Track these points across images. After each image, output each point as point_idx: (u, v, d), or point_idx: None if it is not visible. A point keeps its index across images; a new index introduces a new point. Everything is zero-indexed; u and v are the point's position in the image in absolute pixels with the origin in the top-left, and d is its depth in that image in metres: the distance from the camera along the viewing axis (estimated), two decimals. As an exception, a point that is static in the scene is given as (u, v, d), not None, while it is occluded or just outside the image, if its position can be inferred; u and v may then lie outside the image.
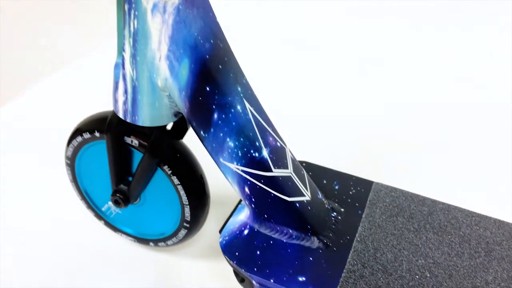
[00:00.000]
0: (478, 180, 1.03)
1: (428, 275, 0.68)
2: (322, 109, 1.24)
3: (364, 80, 1.37)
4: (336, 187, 0.82)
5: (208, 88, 0.63)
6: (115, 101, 0.70)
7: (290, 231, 0.72)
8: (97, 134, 0.78)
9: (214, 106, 0.64)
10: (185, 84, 0.63)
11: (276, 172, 0.69)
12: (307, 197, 0.72)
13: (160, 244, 0.86)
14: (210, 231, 0.92)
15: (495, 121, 1.21)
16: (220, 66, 0.64)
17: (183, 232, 0.82)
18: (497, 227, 0.75)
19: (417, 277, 0.67)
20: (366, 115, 1.23)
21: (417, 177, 1.03)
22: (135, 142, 0.75)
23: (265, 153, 0.67)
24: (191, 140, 0.79)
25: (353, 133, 1.15)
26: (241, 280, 0.71)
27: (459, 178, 1.03)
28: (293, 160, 0.73)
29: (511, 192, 0.99)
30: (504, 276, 0.68)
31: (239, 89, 0.66)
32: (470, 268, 0.69)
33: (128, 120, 0.70)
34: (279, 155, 0.70)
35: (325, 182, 0.83)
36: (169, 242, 0.85)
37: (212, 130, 0.66)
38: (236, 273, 0.72)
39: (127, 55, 0.64)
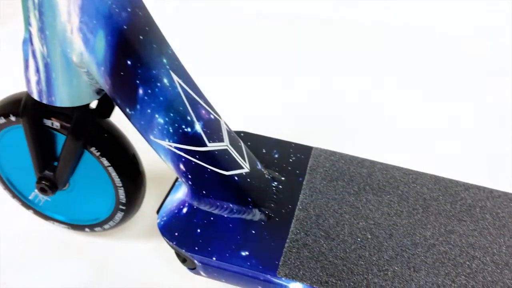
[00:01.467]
0: (414, 138, 1.05)
1: (370, 236, 0.68)
2: (260, 78, 1.20)
3: (297, 45, 1.34)
4: (276, 156, 0.80)
5: (129, 62, 0.58)
6: (27, 81, 0.63)
7: (231, 205, 0.70)
8: (12, 118, 0.71)
9: (138, 81, 0.59)
10: (103, 58, 0.58)
11: (212, 146, 0.65)
12: (245, 169, 0.70)
13: (96, 229, 0.82)
14: (150, 211, 0.88)
15: (425, 78, 1.23)
16: (141, 37, 0.58)
17: (119, 215, 0.78)
18: (433, 183, 0.77)
19: (358, 239, 0.68)
20: (302, 81, 1.21)
21: (356, 139, 1.03)
22: (56, 125, 0.69)
23: (198, 127, 0.64)
24: (121, 118, 0.73)
25: (292, 100, 1.13)
26: (183, 260, 0.69)
27: (395, 138, 1.04)
28: (229, 132, 0.70)
29: (445, 148, 1.02)
30: (442, 231, 0.70)
31: (164, 60, 0.61)
32: (409, 226, 0.70)
33: (45, 102, 0.63)
34: (213, 128, 0.66)
35: (264, 151, 0.81)
36: (106, 226, 0.81)
37: (138, 106, 0.61)
38: (178, 254, 0.69)
39: (34, 29, 0.57)
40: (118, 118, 0.73)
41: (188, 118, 0.63)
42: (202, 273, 0.69)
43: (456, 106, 1.12)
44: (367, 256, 0.66)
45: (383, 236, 0.69)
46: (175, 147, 0.64)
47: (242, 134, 0.83)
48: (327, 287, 0.62)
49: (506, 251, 0.67)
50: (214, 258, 0.65)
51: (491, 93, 1.16)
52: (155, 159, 0.80)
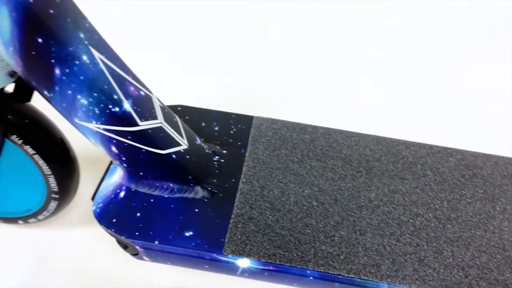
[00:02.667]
0: (356, 100, 1.05)
1: (315, 204, 0.67)
2: (194, 49, 1.15)
3: (226, 12, 1.29)
4: (216, 128, 0.77)
5: (40, 40, 0.52)
6: None
7: (171, 185, 0.66)
8: None
9: (52, 60, 0.54)
10: (10, 37, 0.51)
11: (144, 125, 0.61)
12: (183, 145, 0.67)
13: (30, 220, 0.77)
14: (88, 195, 0.83)
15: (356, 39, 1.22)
16: (51, 11, 0.52)
17: (53, 204, 0.72)
18: (375, 143, 0.77)
19: (304, 208, 0.67)
20: (238, 48, 1.17)
21: (298, 105, 1.01)
22: (-33, 113, 0.62)
23: (127, 105, 0.59)
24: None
25: (229, 69, 1.09)
26: (125, 247, 0.66)
27: (336, 101, 1.03)
28: (163, 108, 0.65)
29: (385, 109, 1.02)
30: (385, 191, 0.70)
31: (81, 35, 0.55)
32: (353, 189, 0.70)
33: None
34: (145, 106, 0.62)
35: (203, 124, 0.77)
36: (41, 217, 0.75)
37: (57, 88, 0.56)
38: (119, 241, 0.66)
39: None
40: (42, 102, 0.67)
41: (115, 96, 0.58)
42: (145, 258, 0.66)
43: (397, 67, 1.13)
44: (314, 224, 0.65)
45: (329, 202, 0.68)
46: (104, 129, 0.59)
47: (179, 108, 0.79)
48: (275, 259, 0.61)
49: (448, 205, 0.69)
50: (156, 242, 0.62)
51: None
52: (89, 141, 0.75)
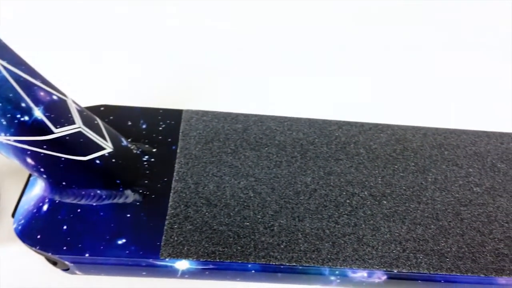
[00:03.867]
0: (287, 84, 1.03)
1: (252, 194, 0.66)
2: (114, 45, 1.08)
3: (156, 8, 1.23)
4: (144, 126, 0.73)
5: None
6: None
7: (98, 192, 0.63)
8: None
9: None
10: None
11: (60, 132, 0.57)
12: (108, 149, 0.63)
13: None
14: (8, 212, 0.77)
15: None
16: None
17: (-29, 226, 0.67)
18: (308, 126, 0.76)
19: (241, 200, 0.65)
20: (163, 41, 1.12)
21: (229, 94, 0.98)
22: None
23: (38, 113, 0.54)
24: None
25: (153, 62, 1.04)
26: (54, 263, 0.61)
27: (267, 87, 1.01)
28: (81, 111, 0.61)
29: (317, 91, 1.01)
30: (321, 174, 0.70)
31: None
32: (289, 175, 0.69)
33: None
34: (59, 111, 0.57)
35: (130, 123, 0.74)
36: (-41, 241, 0.69)
37: (-47, 101, 0.50)
38: (47, 257, 0.62)
39: None
40: None
41: (23, 104, 0.53)
42: (78, 272, 0.63)
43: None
44: (252, 216, 0.64)
45: (266, 191, 0.67)
46: (15, 141, 0.55)
47: (102, 109, 0.75)
48: (215, 257, 0.59)
49: (382, 181, 0.69)
50: (87, 255, 0.59)
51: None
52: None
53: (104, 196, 0.63)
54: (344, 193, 0.67)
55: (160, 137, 0.72)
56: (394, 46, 1.09)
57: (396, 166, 0.72)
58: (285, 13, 1.17)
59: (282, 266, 0.60)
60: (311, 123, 0.77)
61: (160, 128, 0.73)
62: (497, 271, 0.60)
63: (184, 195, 0.65)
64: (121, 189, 0.63)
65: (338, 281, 0.61)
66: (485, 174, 0.71)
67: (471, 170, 0.72)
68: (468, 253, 0.62)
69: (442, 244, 0.63)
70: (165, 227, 0.61)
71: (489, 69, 1.04)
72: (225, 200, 0.65)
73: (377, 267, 0.60)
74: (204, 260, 0.59)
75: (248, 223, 0.63)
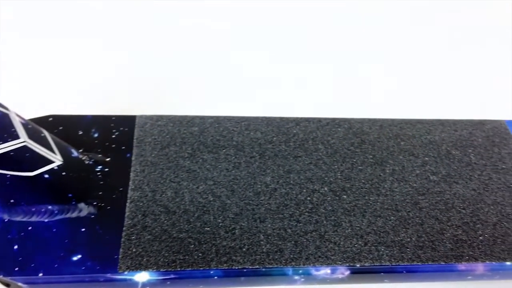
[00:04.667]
0: (243, 84, 1.02)
1: (212, 198, 0.65)
2: (63, 49, 1.04)
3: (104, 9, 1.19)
4: (96, 135, 0.71)
5: None
6: None
7: (50, 207, 0.60)
8: None
9: None
10: None
11: (3, 148, 0.54)
12: (57, 162, 0.60)
13: None
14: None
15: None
16: None
17: None
18: (266, 125, 0.75)
19: (201, 205, 0.64)
20: (114, 43, 1.09)
21: (183, 98, 0.95)
22: None
23: (-24, 130, 0.52)
24: None
25: (102, 69, 1.00)
26: (7, 285, 0.59)
27: (219, 89, 0.99)
28: (26, 124, 0.58)
29: (273, 91, 1.00)
30: (281, 172, 0.69)
31: None
32: (249, 176, 0.68)
33: None
34: (0, 126, 0.55)
35: (81, 133, 0.71)
36: None
37: None
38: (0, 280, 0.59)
39: None
40: None
41: None
42: (33, 293, 0.60)
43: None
44: (212, 220, 0.63)
45: (225, 194, 0.66)
46: None
47: (50, 119, 0.72)
48: (175, 266, 0.58)
49: (341, 176, 0.69)
50: (40, 274, 0.56)
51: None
52: None
53: (56, 212, 0.60)
54: (305, 191, 0.67)
55: (113, 146, 0.70)
56: (345, 40, 1.09)
57: (354, 160, 0.72)
58: (231, 15, 1.15)
59: (245, 270, 0.59)
60: (269, 121, 0.76)
61: (113, 136, 0.71)
62: (456, 257, 0.61)
63: (141, 204, 0.63)
64: (73, 202, 0.61)
65: (302, 280, 0.61)
66: (440, 162, 0.72)
67: (427, 159, 0.73)
68: (427, 242, 0.63)
69: (403, 235, 0.63)
70: (123, 239, 0.59)
71: (440, 57, 1.06)
72: (184, 206, 0.64)
73: (340, 262, 0.60)
74: (165, 270, 0.57)
75: (208, 228, 0.62)
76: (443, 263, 0.61)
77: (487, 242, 0.63)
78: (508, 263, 0.62)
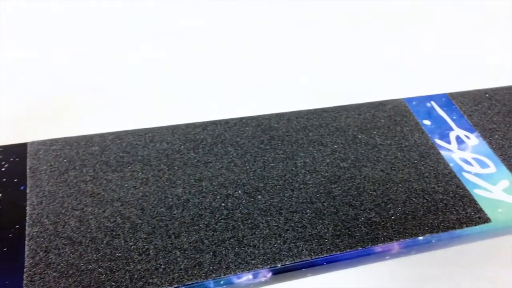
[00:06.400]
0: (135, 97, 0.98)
1: (120, 221, 0.61)
2: None
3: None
4: (-18, 171, 0.64)
5: None
6: None
7: None
8: None
9: None
10: None
11: None
12: None
13: None
14: None
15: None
16: None
17: None
18: (171, 134, 0.72)
19: (109, 230, 0.60)
20: None
21: (78, 118, 0.90)
22: None
23: None
24: None
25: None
26: None
27: (117, 102, 0.95)
28: None
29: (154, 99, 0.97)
30: (192, 182, 0.67)
31: None
32: (158, 190, 0.65)
33: None
34: None
35: (-36, 170, 0.64)
36: None
37: None
38: None
39: None
40: None
41: None
42: None
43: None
44: (123, 244, 0.59)
45: (135, 213, 0.62)
46: None
47: None
48: (87, 301, 0.54)
49: (254, 176, 0.68)
50: None
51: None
52: None
53: None
54: (218, 197, 0.65)
55: (4, 179, 0.64)
56: (244, 36, 1.08)
57: (265, 158, 0.71)
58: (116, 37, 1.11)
59: (163, 291, 0.56)
60: (174, 130, 0.73)
61: (3, 169, 0.65)
62: (372, 240, 0.63)
63: (42, 239, 0.58)
64: (-39, 251, 0.55)
65: (226, 289, 0.59)
66: (348, 147, 0.74)
67: (335, 146, 0.74)
68: (344, 230, 0.63)
69: (320, 227, 0.63)
70: (25, 281, 0.54)
71: (334, 45, 1.08)
72: (91, 234, 0.59)
73: (261, 266, 0.59)
74: (74, 308, 0.53)
75: (120, 254, 0.58)
76: (361, 248, 0.62)
77: (399, 220, 0.65)
78: (420, 238, 0.64)
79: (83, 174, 0.65)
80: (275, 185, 0.68)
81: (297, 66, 1.00)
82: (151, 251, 0.59)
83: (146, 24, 1.07)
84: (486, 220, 0.66)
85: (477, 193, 0.69)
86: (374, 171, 0.71)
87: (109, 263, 0.57)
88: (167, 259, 0.58)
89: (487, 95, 0.85)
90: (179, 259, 0.59)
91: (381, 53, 1.05)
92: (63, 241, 0.58)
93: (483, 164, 0.73)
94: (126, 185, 0.65)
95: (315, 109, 0.79)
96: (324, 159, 0.72)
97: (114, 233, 0.60)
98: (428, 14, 1.16)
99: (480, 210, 0.67)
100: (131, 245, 0.59)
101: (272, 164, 0.70)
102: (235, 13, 1.12)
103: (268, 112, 0.79)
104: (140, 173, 0.67)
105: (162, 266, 0.58)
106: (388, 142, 0.75)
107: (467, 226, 0.65)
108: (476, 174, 0.72)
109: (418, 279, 0.75)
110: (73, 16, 1.07)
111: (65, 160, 0.67)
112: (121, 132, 0.72)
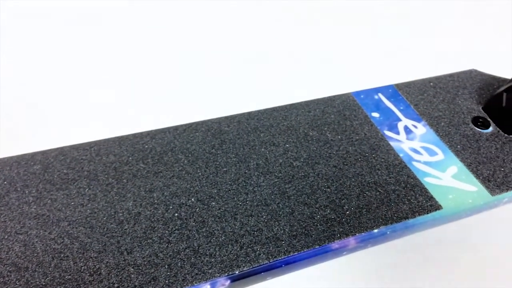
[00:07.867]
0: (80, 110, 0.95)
1: (69, 241, 0.58)
2: None
3: None
4: None
5: None
6: None
7: None
8: None
9: None
10: None
11: None
12: None
13: None
14: None
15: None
16: None
17: None
18: (118, 145, 0.70)
19: (57, 252, 0.57)
20: None
21: (15, 133, 0.86)
22: None
23: None
24: None
25: None
26: None
27: (56, 116, 0.92)
28: None
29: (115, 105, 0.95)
30: (142, 194, 0.65)
31: None
32: (108, 206, 0.63)
33: None
34: None
35: None
36: None
37: None
38: None
39: None
40: None
41: None
42: None
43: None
44: (73, 265, 0.56)
45: (84, 232, 0.59)
46: None
47: None
48: (36, 330, 0.51)
49: (207, 182, 0.67)
50: None
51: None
52: None
53: None
54: (171, 207, 0.64)
55: None
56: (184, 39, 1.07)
57: (217, 163, 0.70)
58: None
59: (118, 311, 0.54)
60: (121, 141, 0.71)
61: None
62: (328, 238, 0.63)
63: (-16, 270, 0.54)
64: None
65: (184, 302, 0.58)
66: (300, 146, 0.74)
67: (287, 145, 0.73)
68: (300, 229, 0.63)
69: (276, 229, 0.63)
70: (-34, 317, 0.51)
71: (279, 41, 1.08)
72: (37, 258, 0.56)
73: (218, 274, 0.58)
74: (24, 339, 0.50)
75: (69, 276, 0.55)
76: (318, 246, 0.62)
77: (354, 215, 0.65)
78: (375, 230, 0.64)
79: (26, 195, 0.62)
80: (229, 190, 0.66)
81: (243, 66, 1.00)
82: (102, 270, 0.56)
83: (78, 36, 1.04)
84: (438, 207, 0.67)
85: (427, 181, 0.70)
86: (327, 168, 0.71)
87: (59, 287, 0.54)
88: (120, 277, 0.56)
89: (431, 83, 0.87)
90: (132, 275, 0.57)
91: (327, 49, 1.06)
92: (8, 268, 0.55)
93: (431, 152, 0.75)
94: (72, 203, 0.62)
95: (265, 109, 0.79)
96: (277, 159, 0.71)
97: (62, 255, 0.57)
98: (368, 8, 1.18)
99: (431, 198, 0.68)
100: (81, 266, 0.56)
101: (224, 169, 0.69)
102: (174, 19, 1.10)
103: (218, 116, 0.77)
104: (87, 189, 0.64)
105: (116, 285, 0.55)
106: (339, 137, 0.76)
107: (419, 214, 0.66)
108: (426, 163, 0.73)
109: (376, 271, 0.76)
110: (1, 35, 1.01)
111: (5, 182, 0.63)
112: (64, 147, 0.69)
